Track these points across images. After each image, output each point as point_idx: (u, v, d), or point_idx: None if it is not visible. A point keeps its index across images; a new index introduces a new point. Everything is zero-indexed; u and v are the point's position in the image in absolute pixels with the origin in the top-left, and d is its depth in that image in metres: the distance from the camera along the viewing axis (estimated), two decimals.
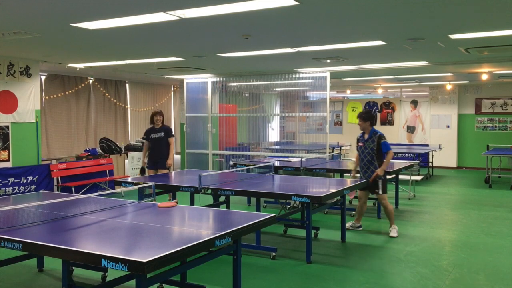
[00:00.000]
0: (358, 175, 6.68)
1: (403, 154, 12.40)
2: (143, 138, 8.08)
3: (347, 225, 6.51)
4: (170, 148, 7.83)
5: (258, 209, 5.61)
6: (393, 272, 4.93)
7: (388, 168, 7.68)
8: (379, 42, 6.41)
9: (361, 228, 6.63)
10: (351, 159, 10.29)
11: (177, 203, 4.33)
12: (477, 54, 7.53)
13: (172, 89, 15.42)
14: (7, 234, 3.19)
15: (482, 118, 14.11)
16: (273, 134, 12.77)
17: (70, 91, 11.65)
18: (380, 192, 6.25)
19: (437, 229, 6.76)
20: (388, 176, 7.70)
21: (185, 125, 11.60)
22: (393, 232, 6.33)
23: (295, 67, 9.44)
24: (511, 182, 10.53)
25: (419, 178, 10.16)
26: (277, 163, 8.14)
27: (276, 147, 11.85)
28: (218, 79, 10.98)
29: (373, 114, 6.71)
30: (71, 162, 9.33)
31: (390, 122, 15.43)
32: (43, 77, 10.91)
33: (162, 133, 7.81)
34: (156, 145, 7.79)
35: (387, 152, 6.28)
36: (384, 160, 6.29)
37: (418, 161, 11.52)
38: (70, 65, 9.04)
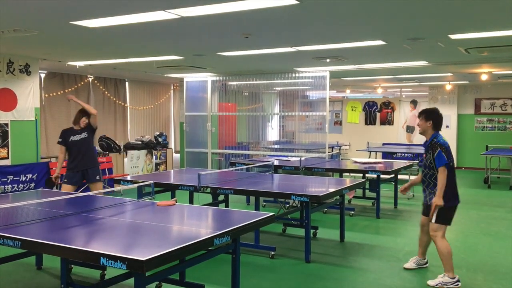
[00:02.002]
0: (411, 193, 5.18)
1: (403, 154, 12.40)
2: (58, 142, 6.15)
3: (410, 264, 5.02)
4: None
5: (257, 208, 5.61)
6: (392, 272, 4.93)
7: (387, 168, 7.72)
8: (379, 42, 6.41)
9: (427, 265, 5.04)
10: (350, 158, 10.30)
11: (176, 202, 4.33)
12: (477, 54, 7.53)
13: (172, 87, 15.42)
14: (6, 232, 3.19)
15: (482, 118, 14.11)
16: (273, 133, 12.78)
17: (69, 89, 11.65)
18: (433, 220, 4.54)
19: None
20: (387, 176, 7.72)
21: (184, 124, 11.59)
22: (436, 280, 4.53)
23: (295, 66, 9.44)
24: (510, 182, 10.54)
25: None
26: (276, 162, 8.14)
27: (276, 146, 11.86)
28: (217, 78, 10.97)
29: (439, 113, 4.75)
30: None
31: (390, 122, 15.43)
32: (42, 75, 10.91)
33: (86, 132, 6.10)
34: (82, 149, 6.07)
35: (439, 167, 4.49)
36: (439, 183, 4.48)
37: (418, 161, 11.53)
38: (69, 63, 9.04)
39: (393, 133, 15.22)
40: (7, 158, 8.04)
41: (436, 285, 4.50)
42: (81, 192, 5.77)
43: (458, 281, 4.47)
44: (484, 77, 10.77)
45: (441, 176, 4.44)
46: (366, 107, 15.80)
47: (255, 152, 11.00)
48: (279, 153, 10.37)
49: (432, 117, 4.67)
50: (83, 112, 6.13)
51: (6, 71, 7.95)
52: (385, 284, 4.57)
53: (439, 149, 4.48)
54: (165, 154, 11.60)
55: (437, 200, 4.44)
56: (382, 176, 7.47)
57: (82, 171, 6.11)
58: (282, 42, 6.58)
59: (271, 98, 13.26)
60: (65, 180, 6.10)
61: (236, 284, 3.67)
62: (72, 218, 3.74)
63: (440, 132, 4.69)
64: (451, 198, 4.51)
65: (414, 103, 15.04)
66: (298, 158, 8.40)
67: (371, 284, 4.59)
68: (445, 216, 4.50)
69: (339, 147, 14.32)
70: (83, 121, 6.08)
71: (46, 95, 11.10)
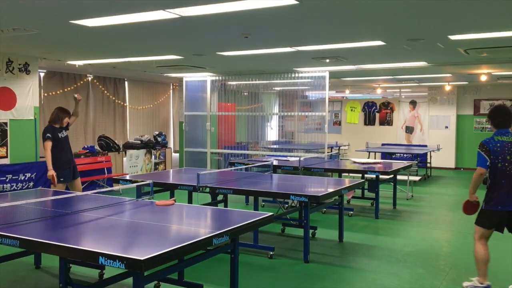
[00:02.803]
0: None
1: (402, 155, 12.41)
2: (48, 137, 6.01)
3: (469, 285, 4.48)
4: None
5: (256, 208, 5.61)
6: (391, 272, 4.93)
7: (386, 168, 7.72)
8: (379, 42, 6.41)
9: None
10: (349, 158, 10.30)
11: (175, 201, 4.33)
12: (476, 55, 7.54)
13: (171, 87, 15.42)
14: (4, 231, 3.18)
15: (481, 119, 14.12)
16: (272, 133, 12.78)
17: (69, 88, 11.64)
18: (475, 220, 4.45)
19: (434, 230, 6.76)
20: (386, 176, 7.72)
21: (184, 124, 11.59)
22: (468, 284, 4.44)
23: (294, 67, 9.44)
24: None
25: (417, 178, 10.18)
26: (275, 162, 8.14)
27: (275, 146, 11.86)
28: (217, 78, 10.97)
29: (500, 110, 4.45)
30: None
31: (389, 123, 15.43)
32: (42, 74, 10.90)
33: (65, 131, 6.26)
34: (66, 146, 6.23)
35: (477, 166, 4.29)
36: (473, 178, 4.31)
37: (417, 162, 11.54)
38: (69, 62, 9.03)
39: (392, 133, 15.23)
40: (6, 157, 8.03)
41: (467, 287, 4.41)
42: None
43: (489, 286, 4.31)
44: (483, 78, 10.78)
45: (475, 175, 4.27)
46: (366, 107, 15.80)
47: (254, 152, 11.00)
48: (278, 153, 10.37)
49: (491, 116, 4.44)
50: (66, 112, 6.28)
51: (6, 70, 7.94)
52: (383, 285, 4.57)
53: (479, 148, 4.28)
54: (164, 153, 11.60)
55: (473, 198, 4.38)
56: (381, 176, 7.47)
57: (72, 167, 6.28)
58: (282, 42, 6.58)
59: (270, 98, 13.27)
60: (62, 179, 6.08)
61: (234, 284, 3.67)
62: (71, 217, 3.74)
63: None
64: (493, 200, 4.25)
65: (413, 103, 15.04)
66: (297, 158, 8.40)
67: (370, 284, 4.59)
68: (482, 218, 4.34)
69: (338, 147, 14.33)
70: (66, 120, 6.24)
71: (45, 94, 11.09)
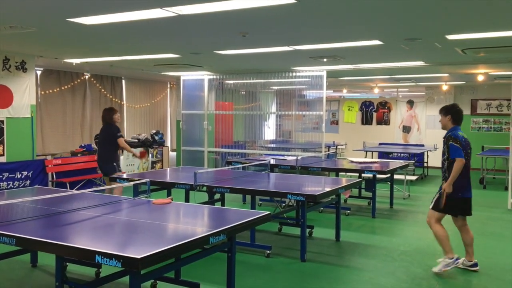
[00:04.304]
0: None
1: (399, 154, 12.43)
2: (120, 135, 7.04)
3: (459, 264, 4.90)
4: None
5: (253, 207, 5.61)
6: (387, 272, 4.94)
7: (383, 167, 7.73)
8: (376, 42, 6.41)
9: (477, 268, 4.92)
10: (346, 158, 10.31)
11: (172, 200, 4.32)
12: (474, 55, 7.55)
13: (169, 86, 15.40)
14: (1, 229, 3.17)
15: (478, 119, 14.15)
16: (269, 132, 12.77)
17: (66, 87, 11.62)
18: (430, 206, 4.94)
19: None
20: (383, 176, 7.73)
21: (181, 122, 11.58)
22: (439, 267, 4.80)
23: (292, 66, 9.44)
24: (505, 183, 10.56)
25: (414, 178, 10.19)
26: (272, 161, 8.15)
27: (272, 145, 11.85)
28: (214, 77, 10.97)
29: (458, 108, 4.98)
30: (66, 158, 9.30)
31: (386, 122, 15.46)
32: (38, 72, 10.88)
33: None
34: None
35: (454, 159, 4.68)
36: (453, 172, 4.69)
37: (413, 161, 11.56)
38: (66, 60, 9.01)
39: (389, 133, 15.25)
40: (3, 155, 8.01)
41: (440, 270, 4.72)
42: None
43: (457, 258, 4.75)
44: (480, 78, 10.80)
45: (456, 166, 4.63)
46: (363, 106, 15.82)
47: (251, 151, 11.00)
48: (275, 152, 10.37)
49: (451, 112, 4.88)
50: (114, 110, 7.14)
51: (2, 68, 7.92)
52: (380, 284, 4.58)
53: (452, 141, 4.70)
54: (161, 152, 11.60)
55: (446, 187, 4.70)
56: (378, 175, 7.48)
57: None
58: (279, 41, 6.58)
59: (268, 97, 13.26)
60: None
61: (231, 282, 3.67)
62: (67, 215, 3.73)
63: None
64: (456, 189, 4.71)
65: (410, 103, 15.07)
66: (295, 157, 8.41)
67: (366, 283, 4.60)
68: (443, 204, 4.73)
69: (335, 147, 14.34)
70: (117, 117, 7.09)
71: (42, 92, 11.07)
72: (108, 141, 6.93)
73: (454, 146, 4.67)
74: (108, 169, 6.85)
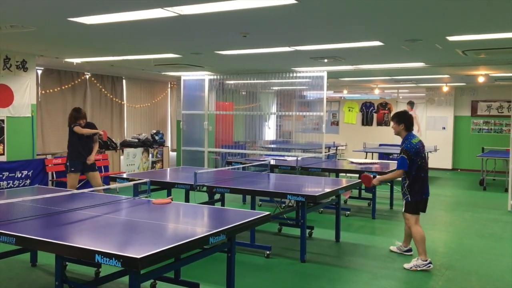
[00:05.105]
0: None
1: (399, 155, 12.39)
2: (74, 125, 6.90)
3: (395, 248, 5.61)
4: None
5: (253, 207, 5.61)
6: (387, 273, 4.94)
7: (383, 168, 7.72)
8: (377, 43, 6.41)
9: (411, 253, 5.47)
10: (346, 158, 10.31)
11: (172, 200, 4.32)
12: (474, 57, 7.55)
13: (169, 86, 15.40)
14: (0, 228, 3.17)
15: (478, 120, 14.15)
16: (270, 132, 12.77)
17: (66, 86, 11.62)
18: (403, 209, 5.25)
19: (431, 230, 6.77)
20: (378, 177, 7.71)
21: (181, 122, 11.58)
22: (410, 264, 5.05)
23: (293, 66, 9.44)
24: (505, 184, 10.56)
25: None
26: (273, 162, 8.14)
27: (272, 145, 11.85)
28: (215, 77, 10.97)
29: (409, 114, 5.34)
30: (66, 157, 9.29)
31: (387, 123, 15.43)
32: (39, 71, 10.88)
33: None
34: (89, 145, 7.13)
35: (397, 169, 5.16)
36: (391, 173, 5.33)
37: None
38: (66, 59, 9.01)
39: (389, 134, 15.20)
40: (3, 154, 8.01)
41: (410, 267, 5.00)
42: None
43: (430, 263, 5.00)
44: (481, 80, 10.80)
45: (395, 173, 5.20)
46: (363, 107, 15.81)
47: (251, 151, 11.00)
48: (275, 153, 10.36)
49: (404, 119, 5.21)
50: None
51: (3, 67, 7.92)
52: (379, 285, 4.58)
53: (402, 154, 5.09)
54: (161, 152, 11.60)
55: (375, 180, 5.42)
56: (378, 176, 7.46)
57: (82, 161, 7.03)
58: (280, 41, 6.58)
59: (268, 97, 13.26)
60: (73, 169, 6.98)
61: (231, 283, 3.67)
62: (67, 215, 3.73)
63: (417, 132, 4.99)
64: (418, 193, 5.09)
65: (411, 104, 15.07)
66: (295, 158, 8.40)
67: (366, 284, 4.59)
68: (413, 207, 5.11)
69: (335, 147, 14.32)
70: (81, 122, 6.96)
71: (43, 92, 11.07)
72: (69, 140, 7.00)
73: (403, 159, 5.05)
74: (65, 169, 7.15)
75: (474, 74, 10.50)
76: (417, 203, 5.11)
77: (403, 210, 5.22)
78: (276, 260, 5.29)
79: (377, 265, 5.17)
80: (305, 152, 10.25)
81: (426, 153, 5.07)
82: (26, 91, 8.28)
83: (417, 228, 5.09)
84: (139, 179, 5.36)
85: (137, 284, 2.79)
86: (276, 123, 12.92)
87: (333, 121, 16.35)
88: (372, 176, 5.58)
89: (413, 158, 5.02)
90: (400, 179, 5.28)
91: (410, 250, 5.51)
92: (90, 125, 7.14)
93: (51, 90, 11.27)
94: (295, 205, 6.49)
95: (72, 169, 6.89)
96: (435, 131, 14.58)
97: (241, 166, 7.53)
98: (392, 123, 5.31)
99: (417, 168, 5.04)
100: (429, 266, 4.97)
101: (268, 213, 3.85)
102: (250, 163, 7.91)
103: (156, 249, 2.70)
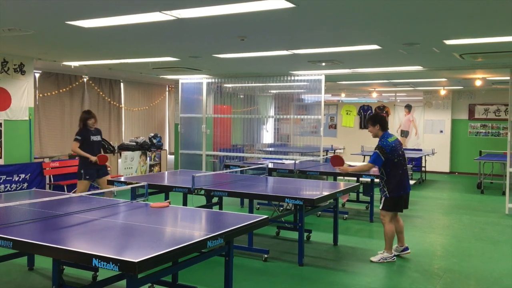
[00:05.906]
0: None
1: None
2: (77, 140, 6.86)
3: (379, 257, 5.43)
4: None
5: (251, 211, 5.60)
6: (385, 276, 4.94)
7: None
8: (375, 46, 6.43)
9: (408, 251, 5.56)
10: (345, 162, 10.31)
11: (170, 204, 4.32)
12: (472, 60, 7.57)
13: (167, 89, 15.41)
14: None
15: (475, 124, 14.18)
16: (267, 136, 12.77)
17: (64, 89, 11.61)
18: (380, 207, 5.40)
19: (429, 234, 6.78)
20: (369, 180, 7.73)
21: (179, 126, 11.58)
22: (377, 257, 5.38)
23: (290, 70, 9.46)
24: (503, 188, 10.58)
25: (412, 182, 10.19)
26: (270, 165, 8.14)
27: (270, 149, 11.85)
28: (213, 80, 10.97)
29: (381, 115, 5.81)
30: (63, 161, 9.28)
31: None
32: (37, 75, 10.87)
33: (99, 136, 7.19)
34: (98, 150, 7.13)
35: (369, 162, 5.38)
36: (361, 164, 5.84)
37: (411, 166, 11.57)
38: (64, 63, 9.00)
39: None
40: (0, 157, 7.99)
41: (378, 260, 5.30)
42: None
43: (394, 256, 5.37)
44: (478, 83, 10.84)
45: (365, 166, 5.58)
46: (361, 111, 15.84)
47: (249, 154, 11.00)
48: (273, 156, 10.37)
49: (378, 120, 5.47)
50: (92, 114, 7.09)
51: (1, 70, 7.91)
52: None
53: (376, 150, 5.28)
54: (159, 155, 11.58)
55: (344, 168, 5.68)
56: (376, 180, 7.47)
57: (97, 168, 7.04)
58: (278, 45, 6.59)
59: (266, 100, 13.28)
60: (87, 177, 6.95)
61: (229, 286, 3.66)
62: (65, 218, 3.72)
63: (394, 132, 5.11)
64: (395, 189, 5.26)
65: (408, 107, 15.09)
66: (293, 161, 8.41)
67: None
68: (390, 204, 5.29)
69: (333, 151, 14.34)
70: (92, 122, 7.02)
71: (41, 95, 11.06)
72: (79, 147, 6.88)
73: (376, 155, 5.24)
74: (77, 176, 7.03)
75: (472, 78, 10.54)
76: (395, 200, 5.28)
77: (380, 207, 5.38)
78: (274, 263, 5.28)
79: (375, 268, 5.17)
80: (303, 155, 10.25)
81: (400, 153, 5.31)
82: (23, 94, 8.27)
83: (390, 226, 5.32)
84: (136, 183, 5.35)
85: None
86: (274, 127, 12.93)
87: (331, 124, 16.36)
88: (343, 159, 5.79)
89: (389, 156, 5.22)
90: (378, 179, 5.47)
91: (407, 248, 5.56)
92: (98, 131, 7.21)
93: (48, 93, 11.26)
94: (293, 208, 6.49)
95: (87, 177, 6.90)
96: (433, 135, 14.61)
97: (239, 169, 7.53)
98: (368, 127, 5.51)
99: (393, 166, 5.24)
100: (394, 259, 5.34)
101: (266, 216, 3.85)
102: (248, 166, 7.91)
103: (153, 253, 2.69)
